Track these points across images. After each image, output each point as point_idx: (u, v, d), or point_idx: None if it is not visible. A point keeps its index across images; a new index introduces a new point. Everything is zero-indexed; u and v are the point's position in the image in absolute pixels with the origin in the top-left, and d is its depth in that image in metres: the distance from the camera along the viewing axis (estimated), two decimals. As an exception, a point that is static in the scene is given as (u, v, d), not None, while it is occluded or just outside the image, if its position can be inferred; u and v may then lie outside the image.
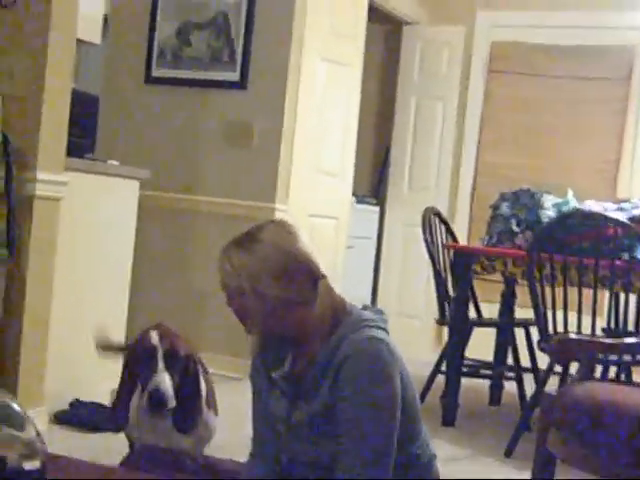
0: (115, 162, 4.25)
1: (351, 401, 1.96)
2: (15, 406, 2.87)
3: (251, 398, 2.22)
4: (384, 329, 2.05)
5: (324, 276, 2.05)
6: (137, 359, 2.54)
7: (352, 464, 1.97)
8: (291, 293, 2.00)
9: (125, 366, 2.61)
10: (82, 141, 4.01)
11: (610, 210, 4.19)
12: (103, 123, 4.44)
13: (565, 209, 4.31)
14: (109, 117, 5.12)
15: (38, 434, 2.95)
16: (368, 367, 1.96)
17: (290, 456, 2.10)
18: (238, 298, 2.03)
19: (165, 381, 2.44)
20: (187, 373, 2.54)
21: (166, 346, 2.50)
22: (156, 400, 2.43)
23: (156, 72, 5.40)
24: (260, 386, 2.17)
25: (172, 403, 2.46)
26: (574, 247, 3.96)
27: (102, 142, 4.51)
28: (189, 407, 2.54)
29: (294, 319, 2.03)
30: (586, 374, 3.08)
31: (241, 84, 5.20)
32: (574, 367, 3.46)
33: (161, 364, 2.47)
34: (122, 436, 3.34)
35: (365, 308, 2.13)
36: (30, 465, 1.27)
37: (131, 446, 2.78)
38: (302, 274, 2.01)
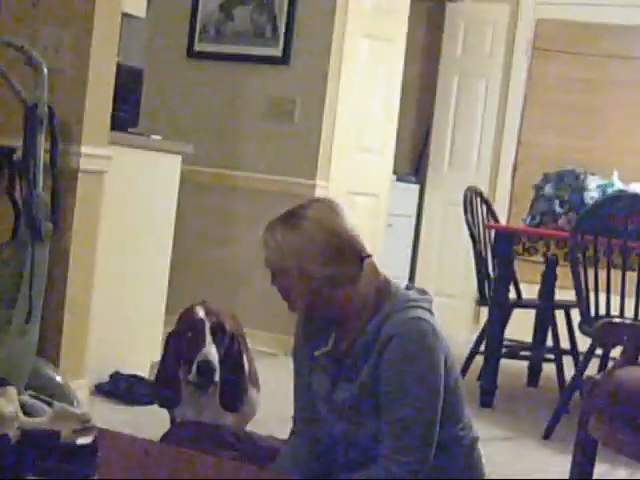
0: (158, 137, 4.26)
1: (393, 381, 1.95)
2: (59, 379, 2.90)
3: (293, 376, 2.22)
4: (429, 310, 2.04)
5: (369, 255, 2.03)
6: (182, 334, 2.55)
7: (393, 445, 1.96)
8: (336, 272, 1.99)
9: (168, 343, 2.61)
10: (126, 115, 4.01)
11: (656, 193, 4.13)
12: (146, 97, 4.45)
13: (610, 191, 4.27)
14: (152, 91, 5.13)
15: (79, 406, 2.96)
16: (412, 347, 1.95)
17: (331, 435, 2.10)
18: (282, 276, 2.02)
19: (213, 353, 2.45)
20: (232, 349, 2.54)
21: (212, 321, 2.51)
22: (205, 371, 2.45)
23: (199, 46, 5.40)
24: (302, 363, 2.16)
25: (217, 377, 2.46)
26: (618, 229, 3.91)
27: (145, 116, 4.51)
28: (234, 384, 2.54)
29: (338, 298, 2.02)
30: (630, 358, 3.05)
31: (283, 60, 5.19)
32: (614, 351, 3.43)
33: (209, 337, 2.48)
34: (160, 410, 3.37)
35: (408, 288, 2.11)
36: (83, 440, 1.27)
37: (172, 421, 2.80)
38: (347, 253, 1.99)
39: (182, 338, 2.56)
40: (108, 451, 1.37)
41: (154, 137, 4.22)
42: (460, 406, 2.10)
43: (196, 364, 2.47)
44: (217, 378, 2.47)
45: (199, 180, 5.22)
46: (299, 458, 2.15)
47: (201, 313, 2.53)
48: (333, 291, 2.00)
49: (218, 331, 2.51)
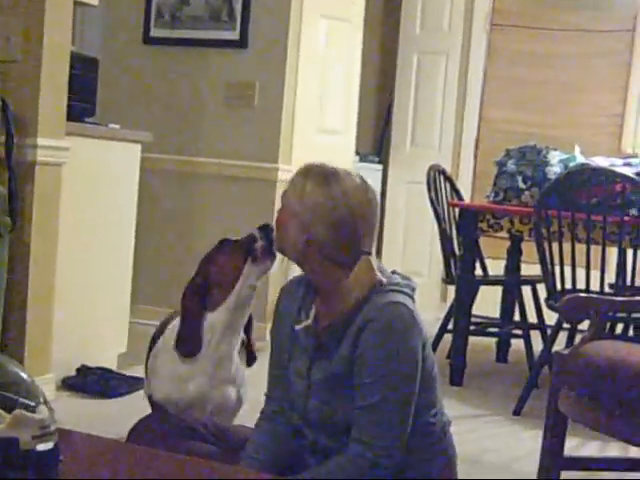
0: (116, 126, 4.20)
1: (369, 365, 1.94)
2: (24, 375, 2.86)
3: (270, 353, 2.20)
4: (410, 296, 2.02)
5: (369, 253, 2.01)
6: (224, 254, 2.64)
7: (366, 429, 1.95)
8: (332, 246, 1.98)
9: (192, 292, 2.59)
10: (82, 105, 3.94)
11: (617, 166, 4.15)
12: (103, 86, 4.38)
13: (572, 165, 4.27)
14: (109, 80, 5.06)
15: (46, 402, 2.93)
16: (389, 332, 1.94)
17: (303, 415, 2.08)
18: (286, 216, 2.02)
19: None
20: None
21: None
22: (268, 230, 2.56)
23: (154, 32, 5.33)
24: (281, 339, 2.15)
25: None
26: (582, 203, 3.92)
27: (102, 106, 4.44)
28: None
29: (324, 272, 2.01)
30: (597, 332, 3.05)
31: (241, 43, 5.14)
32: (582, 324, 3.45)
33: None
34: (130, 401, 3.34)
35: (393, 273, 2.10)
36: (43, 446, 1.24)
37: (152, 406, 2.76)
38: (352, 238, 1.98)
39: (219, 260, 2.62)
40: (70, 454, 1.34)
41: (112, 126, 4.17)
42: (434, 392, 2.09)
43: (258, 231, 2.59)
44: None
45: (160, 168, 5.17)
46: (268, 443, 2.13)
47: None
48: (321, 259, 1.99)
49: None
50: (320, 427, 2.06)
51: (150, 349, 2.85)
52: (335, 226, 1.97)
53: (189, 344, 2.58)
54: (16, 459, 1.21)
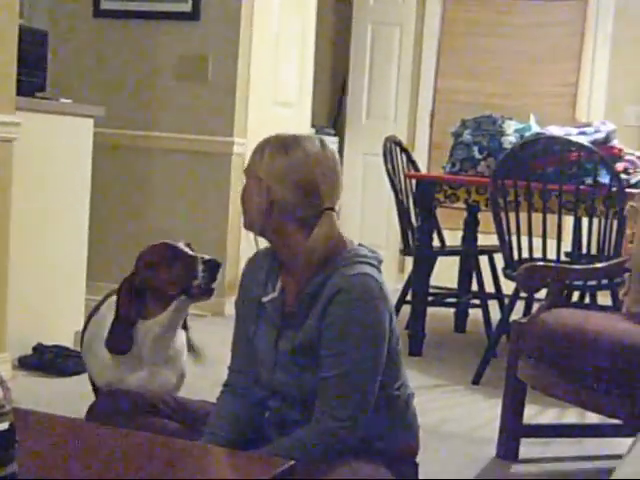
0: (68, 100, 4.14)
1: (336, 335, 1.94)
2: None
3: (234, 324, 2.19)
4: (377, 268, 2.03)
5: (332, 209, 2.01)
6: (159, 264, 2.49)
7: (330, 400, 1.95)
8: (294, 203, 1.99)
9: (127, 291, 2.52)
10: (33, 80, 3.87)
11: (572, 135, 4.16)
12: (53, 60, 4.30)
13: (527, 135, 4.28)
14: (59, 54, 4.98)
15: (2, 381, 2.89)
16: (357, 303, 1.94)
17: (268, 386, 2.08)
18: (249, 184, 2.04)
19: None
20: None
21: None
22: (214, 267, 2.46)
23: (105, 4, 5.23)
24: (246, 312, 2.14)
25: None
26: (537, 173, 3.94)
27: (53, 80, 4.37)
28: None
29: (288, 232, 2.01)
30: (555, 300, 3.08)
31: (193, 15, 5.07)
32: (538, 294, 3.48)
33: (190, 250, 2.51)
34: (84, 380, 3.30)
35: (359, 245, 2.09)
36: (-1, 426, 1.21)
37: (95, 391, 2.74)
38: (314, 195, 1.99)
39: (154, 269, 2.50)
40: (26, 434, 1.31)
41: (64, 101, 4.10)
42: (399, 366, 2.09)
43: (201, 265, 2.46)
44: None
45: (114, 143, 5.10)
46: (230, 417, 2.12)
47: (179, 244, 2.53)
48: (283, 220, 2.00)
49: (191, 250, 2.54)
50: (285, 399, 2.05)
51: (85, 327, 2.80)
52: (297, 185, 1.98)
53: (117, 343, 2.53)
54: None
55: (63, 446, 1.54)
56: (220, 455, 1.75)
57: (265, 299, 2.08)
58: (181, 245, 2.52)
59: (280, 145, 2.02)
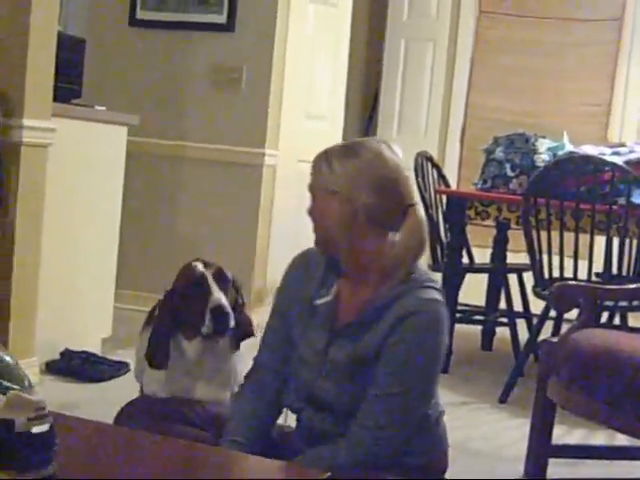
0: (102, 108, 4.16)
1: (400, 357, 1.91)
2: (8, 358, 2.82)
3: (270, 316, 2.14)
4: (443, 295, 2.00)
5: (415, 203, 1.97)
6: (182, 292, 2.46)
7: (374, 417, 1.91)
8: (380, 205, 1.93)
9: (165, 301, 2.51)
10: (69, 86, 3.90)
11: (606, 154, 4.14)
12: (89, 68, 4.33)
13: (560, 153, 4.26)
14: (95, 61, 5.01)
15: (31, 386, 2.88)
16: (429, 329, 1.92)
17: (312, 393, 2.02)
18: (323, 199, 1.97)
19: (222, 298, 2.38)
20: (236, 295, 2.49)
21: (213, 270, 2.45)
22: (219, 317, 2.36)
23: (140, 14, 5.27)
24: (290, 307, 2.08)
25: (232, 321, 2.39)
26: (570, 192, 3.92)
27: (89, 87, 4.39)
28: (245, 330, 2.51)
29: (370, 240, 1.95)
30: (586, 320, 3.05)
31: (228, 27, 5.09)
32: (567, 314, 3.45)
33: (214, 286, 2.41)
34: (114, 386, 3.31)
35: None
36: (38, 428, 1.22)
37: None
38: (396, 192, 1.94)
39: (181, 297, 2.47)
40: (65, 437, 1.32)
41: (98, 108, 4.12)
42: (436, 386, 2.07)
43: (209, 313, 2.38)
44: (232, 323, 2.40)
45: (146, 152, 5.12)
46: (251, 420, 2.06)
47: (200, 266, 2.46)
48: (369, 227, 1.94)
49: (220, 279, 2.45)
50: (323, 409, 2.01)
51: (143, 330, 2.79)
52: (375, 185, 1.92)
53: (155, 357, 2.51)
54: (12, 441, 1.19)
55: (99, 449, 1.54)
56: (250, 463, 1.74)
57: (319, 301, 2.02)
58: (210, 278, 2.43)
59: (345, 151, 1.97)
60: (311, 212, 2.02)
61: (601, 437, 3.52)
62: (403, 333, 1.90)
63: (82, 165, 3.94)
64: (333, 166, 1.95)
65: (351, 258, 1.98)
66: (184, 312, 2.46)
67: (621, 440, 3.37)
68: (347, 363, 1.96)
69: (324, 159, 1.98)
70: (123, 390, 2.91)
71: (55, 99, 3.58)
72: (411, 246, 1.94)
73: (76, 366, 3.83)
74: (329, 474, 1.54)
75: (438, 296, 1.95)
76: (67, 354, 3.91)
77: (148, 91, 5.25)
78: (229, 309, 2.39)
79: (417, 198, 1.99)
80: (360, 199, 1.92)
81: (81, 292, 4.03)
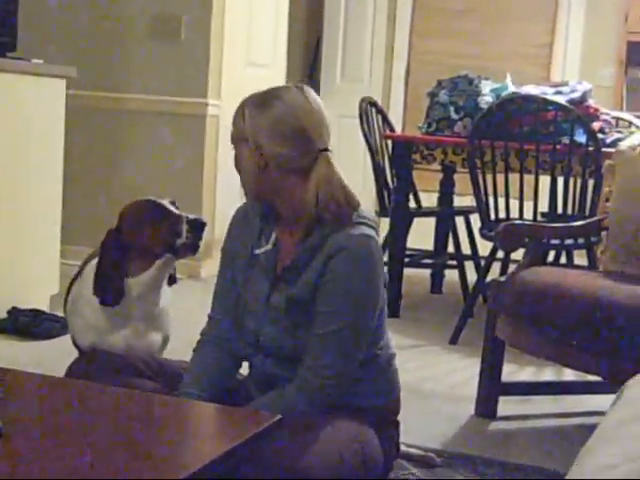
0: (39, 60, 4.06)
1: (334, 293, 1.94)
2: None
3: (218, 271, 2.18)
4: (377, 231, 2.04)
5: (327, 149, 2.00)
6: (139, 223, 2.43)
7: (318, 357, 1.95)
8: (288, 153, 1.97)
9: (110, 243, 2.47)
10: (3, 39, 3.80)
11: (548, 94, 4.15)
12: (23, 20, 4.21)
13: (504, 94, 4.26)
14: (29, 13, 4.88)
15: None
16: (359, 263, 1.95)
17: (259, 340, 2.06)
18: (239, 148, 2.03)
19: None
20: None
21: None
22: (199, 226, 2.39)
23: (75, -37, 5.15)
24: (235, 261, 2.12)
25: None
26: (514, 132, 3.93)
27: (24, 40, 4.28)
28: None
29: (287, 185, 1.99)
30: (533, 259, 3.08)
31: (166, -26, 4.99)
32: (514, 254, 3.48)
33: (173, 207, 2.43)
34: (64, 342, 3.26)
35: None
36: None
37: (80, 354, 2.70)
38: (305, 140, 1.97)
39: (135, 228, 2.44)
40: (10, 391, 1.29)
41: (35, 61, 4.03)
42: (383, 327, 2.09)
43: (185, 224, 2.38)
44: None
45: (86, 105, 5.04)
46: (209, 370, 2.10)
47: (150, 197, 2.47)
48: (282, 175, 1.98)
49: (174, 206, 2.46)
50: (271, 355, 2.04)
51: (68, 291, 2.75)
52: (286, 136, 1.96)
53: (108, 293, 2.48)
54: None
55: (45, 402, 1.52)
56: (205, 410, 1.74)
57: (258, 251, 2.07)
58: (166, 203, 2.46)
59: (258, 103, 2.00)
60: (235, 163, 2.05)
61: (549, 374, 3.58)
62: (334, 269, 1.94)
63: (21, 119, 3.85)
64: (245, 116, 2.00)
65: (280, 205, 2.03)
66: (138, 242, 2.43)
67: (569, 375, 3.43)
68: (287, 307, 2.00)
69: (241, 109, 2.02)
70: (73, 346, 2.88)
71: (-11, 53, 3.49)
72: (323, 191, 1.96)
73: (24, 324, 3.79)
74: (280, 416, 1.54)
75: (369, 231, 1.98)
76: (14, 312, 3.86)
77: (86, 43, 5.14)
78: (205, 219, 2.43)
79: (330, 143, 2.03)
80: (270, 150, 1.97)
81: (26, 249, 3.96)
